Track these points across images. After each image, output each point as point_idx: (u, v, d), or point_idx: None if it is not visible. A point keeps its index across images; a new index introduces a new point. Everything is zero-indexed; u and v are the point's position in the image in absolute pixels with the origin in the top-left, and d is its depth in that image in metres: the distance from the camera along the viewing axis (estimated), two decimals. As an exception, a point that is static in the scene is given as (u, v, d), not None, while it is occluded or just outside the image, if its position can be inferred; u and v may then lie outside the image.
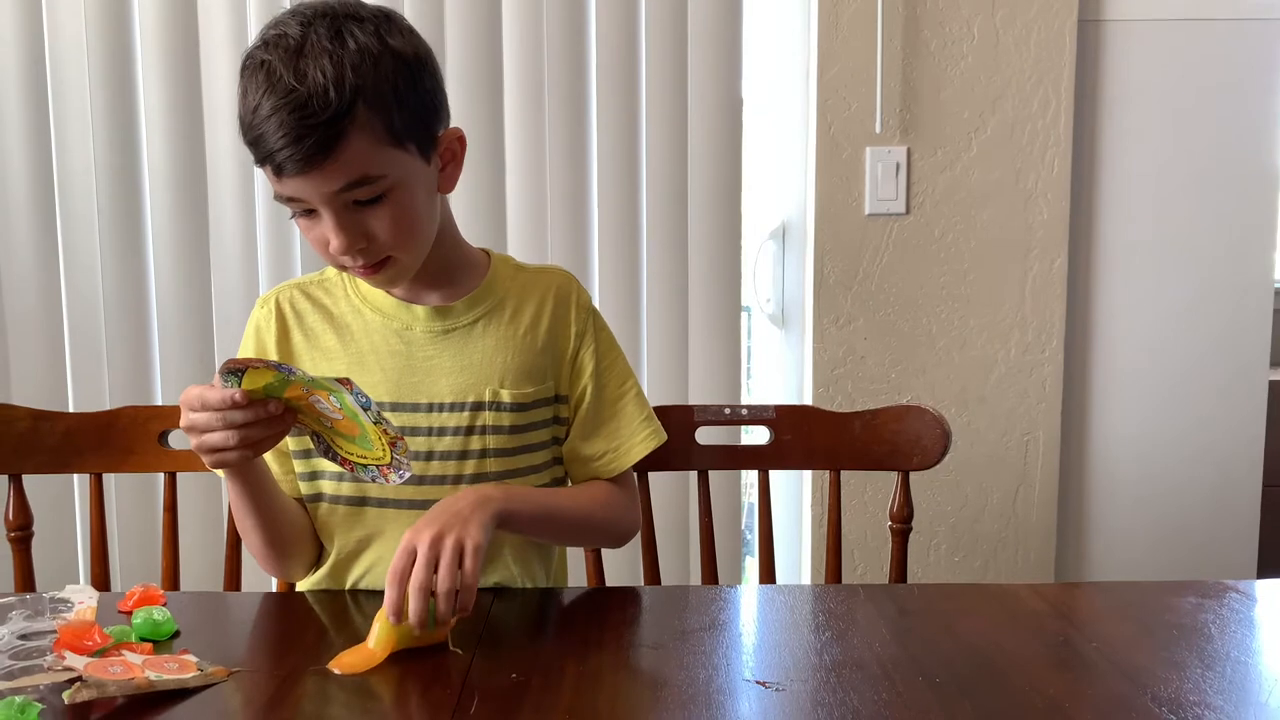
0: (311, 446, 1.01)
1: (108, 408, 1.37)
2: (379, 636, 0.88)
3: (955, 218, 1.91)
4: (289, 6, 1.02)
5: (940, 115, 1.89)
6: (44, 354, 1.87)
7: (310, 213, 0.99)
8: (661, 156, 1.89)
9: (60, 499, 1.87)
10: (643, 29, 1.86)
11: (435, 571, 0.90)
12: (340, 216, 0.98)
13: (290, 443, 1.11)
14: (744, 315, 2.02)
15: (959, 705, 0.80)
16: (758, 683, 0.84)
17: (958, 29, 1.87)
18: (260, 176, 1.85)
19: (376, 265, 1.03)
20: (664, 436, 1.19)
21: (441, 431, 1.10)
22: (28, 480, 1.29)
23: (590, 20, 1.86)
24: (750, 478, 1.98)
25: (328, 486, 1.12)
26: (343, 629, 1.00)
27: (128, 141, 1.85)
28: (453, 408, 1.10)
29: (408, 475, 0.95)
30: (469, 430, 1.10)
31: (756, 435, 1.40)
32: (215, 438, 0.91)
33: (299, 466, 1.13)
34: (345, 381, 0.86)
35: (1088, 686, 0.84)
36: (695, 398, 1.93)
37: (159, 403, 1.86)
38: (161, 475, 1.32)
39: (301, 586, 1.16)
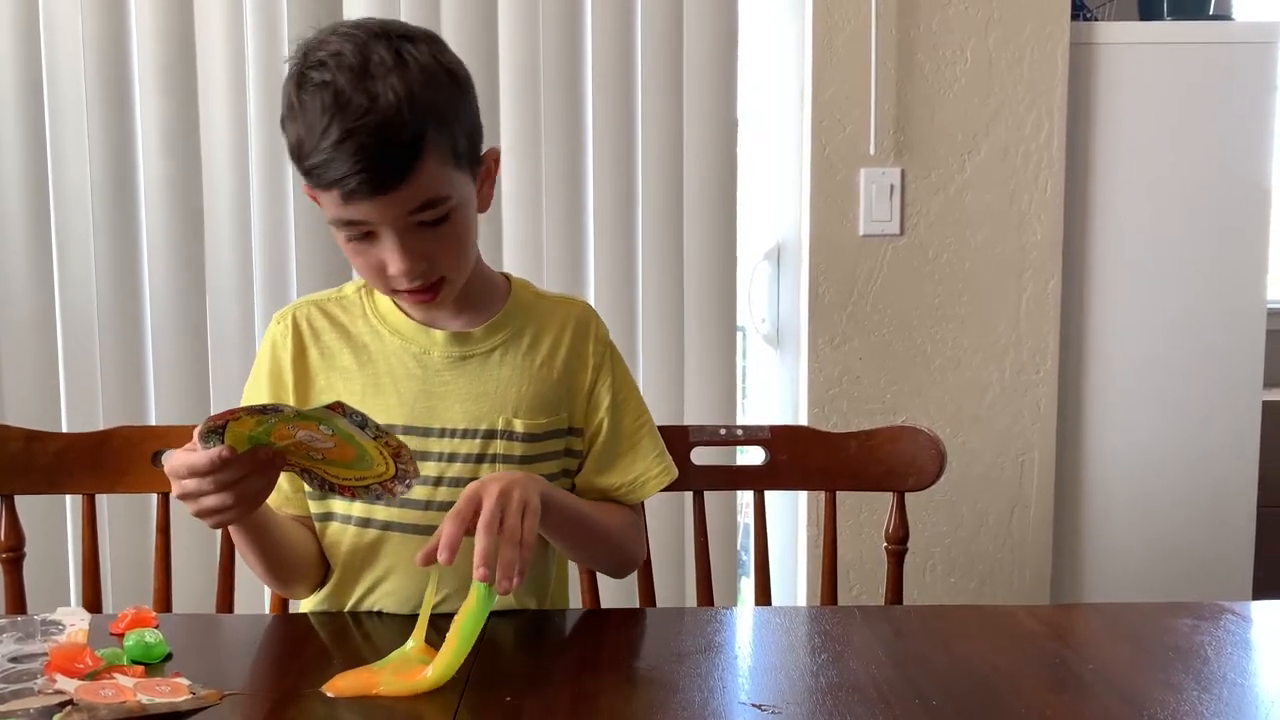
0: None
1: (101, 428, 1.36)
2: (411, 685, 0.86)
3: (949, 239, 1.92)
4: (321, 27, 1.00)
5: (934, 137, 1.90)
6: (37, 373, 1.87)
7: (367, 236, 0.98)
8: (657, 178, 1.89)
9: (52, 519, 1.86)
10: (638, 51, 1.87)
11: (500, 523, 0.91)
12: (404, 239, 0.97)
13: None
14: (739, 336, 2.02)
15: (956, 728, 0.80)
16: (754, 705, 0.84)
17: (951, 52, 1.88)
18: (256, 193, 1.85)
19: (431, 287, 1.02)
20: (675, 473, 1.19)
21: (453, 458, 1.09)
22: (19, 501, 1.29)
23: (586, 42, 1.87)
24: (745, 498, 1.98)
25: (339, 505, 1.11)
26: (337, 651, 0.99)
27: (124, 158, 1.85)
28: (465, 434, 1.09)
29: (414, 483, 0.93)
30: (480, 458, 1.09)
31: (752, 455, 1.39)
32: (211, 501, 0.88)
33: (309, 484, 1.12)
34: (335, 406, 0.84)
35: (1084, 708, 0.84)
36: (690, 418, 1.93)
37: (153, 423, 1.86)
38: (154, 496, 1.31)
39: (304, 606, 1.15)
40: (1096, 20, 1.99)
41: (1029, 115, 1.90)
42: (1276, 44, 1.93)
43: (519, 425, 1.10)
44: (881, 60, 1.87)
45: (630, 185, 1.90)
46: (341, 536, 1.11)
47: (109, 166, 1.84)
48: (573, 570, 1.33)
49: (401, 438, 1.05)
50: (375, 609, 1.11)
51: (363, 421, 0.85)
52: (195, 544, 1.83)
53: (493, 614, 1.06)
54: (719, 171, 1.91)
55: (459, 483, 1.08)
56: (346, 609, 1.12)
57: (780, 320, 2.04)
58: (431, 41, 0.98)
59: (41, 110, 1.83)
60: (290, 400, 1.10)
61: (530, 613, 1.12)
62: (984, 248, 1.92)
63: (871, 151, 1.88)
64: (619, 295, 1.90)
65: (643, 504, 1.21)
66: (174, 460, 0.89)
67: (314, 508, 1.12)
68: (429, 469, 1.08)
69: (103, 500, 1.81)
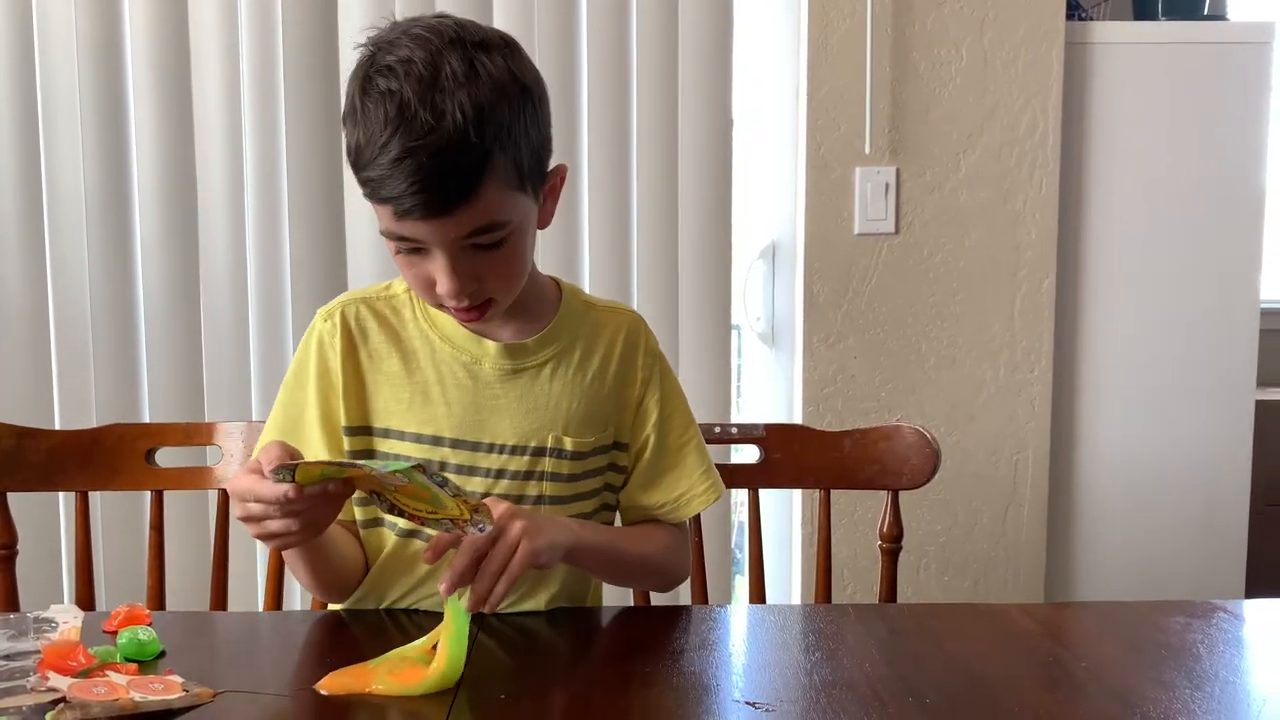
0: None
1: (94, 425, 1.36)
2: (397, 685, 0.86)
3: (944, 238, 1.92)
4: (394, 21, 0.95)
5: (929, 136, 1.90)
6: (30, 370, 1.86)
7: (418, 250, 0.95)
8: (652, 176, 1.89)
9: (45, 517, 1.86)
10: (634, 50, 1.87)
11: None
12: (455, 260, 0.94)
13: None
14: (734, 334, 2.02)
15: (949, 726, 0.80)
16: (748, 703, 0.84)
17: (946, 51, 1.89)
18: (250, 190, 1.85)
19: (478, 307, 0.99)
20: (723, 489, 1.16)
21: (500, 474, 1.07)
22: (12, 498, 1.28)
23: (581, 41, 1.87)
24: (740, 496, 1.98)
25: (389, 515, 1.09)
26: (331, 650, 0.99)
27: (117, 155, 1.84)
28: (514, 451, 1.07)
29: (486, 528, 0.90)
30: (528, 475, 1.07)
31: (746, 454, 1.39)
32: (275, 525, 0.87)
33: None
34: (418, 467, 0.82)
35: (1078, 706, 0.84)
36: (685, 416, 1.93)
37: (146, 420, 1.85)
38: (148, 493, 1.31)
39: (334, 605, 1.14)
40: (1091, 20, 2.00)
41: (1024, 114, 1.90)
42: (1271, 44, 1.94)
43: (568, 443, 1.07)
44: (877, 59, 1.87)
45: (625, 184, 1.89)
46: (385, 542, 1.09)
47: (102, 163, 1.83)
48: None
49: (449, 451, 1.03)
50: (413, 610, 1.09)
51: (443, 481, 0.84)
52: (189, 541, 1.83)
53: (494, 614, 1.07)
54: (714, 170, 1.91)
55: (505, 499, 1.04)
56: (382, 609, 1.11)
57: (775, 318, 2.04)
58: (507, 49, 0.93)
59: (35, 108, 1.82)
60: (340, 404, 1.06)
61: (526, 612, 1.12)
62: (979, 246, 1.92)
63: (866, 150, 1.89)
64: (614, 293, 1.90)
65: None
66: (239, 483, 0.87)
67: (359, 514, 1.10)
68: (475, 484, 1.06)
69: (96, 498, 1.81)
